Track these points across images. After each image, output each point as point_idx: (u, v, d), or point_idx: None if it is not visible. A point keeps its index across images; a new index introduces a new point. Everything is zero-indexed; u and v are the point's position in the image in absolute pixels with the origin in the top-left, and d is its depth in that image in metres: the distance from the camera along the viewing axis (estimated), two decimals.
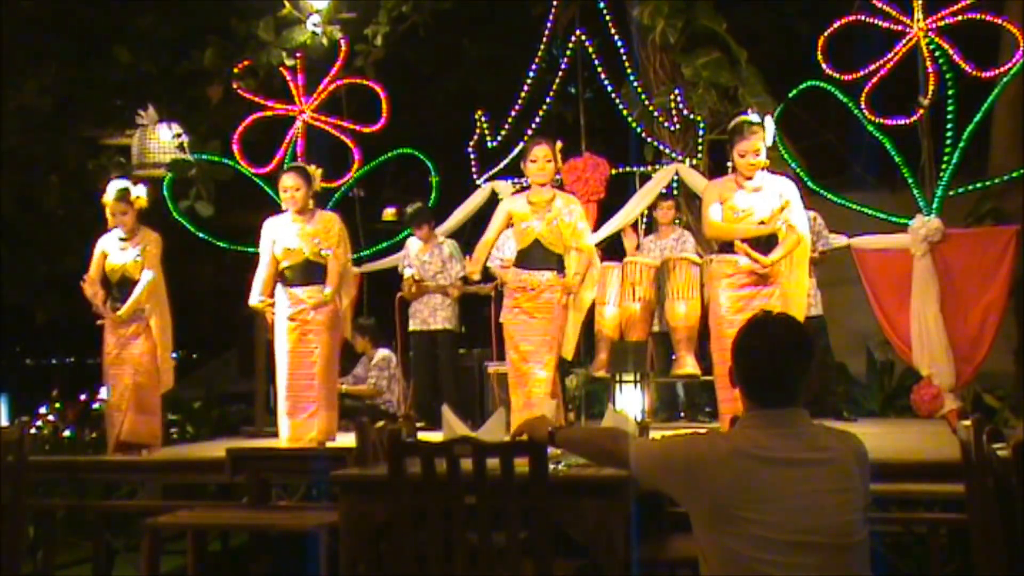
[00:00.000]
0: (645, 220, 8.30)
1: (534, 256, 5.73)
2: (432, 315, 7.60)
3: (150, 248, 6.38)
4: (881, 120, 6.79)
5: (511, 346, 5.79)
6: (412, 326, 7.69)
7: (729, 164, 5.66)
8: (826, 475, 2.40)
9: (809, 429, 2.48)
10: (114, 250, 6.40)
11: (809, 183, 6.95)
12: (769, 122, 5.54)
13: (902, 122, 6.83)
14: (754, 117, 5.53)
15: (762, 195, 5.39)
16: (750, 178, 5.41)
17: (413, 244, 7.80)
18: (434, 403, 7.09)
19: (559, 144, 5.81)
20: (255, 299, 6.08)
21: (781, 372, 2.48)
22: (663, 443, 2.62)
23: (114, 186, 6.50)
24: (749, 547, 2.34)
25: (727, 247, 5.47)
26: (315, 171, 6.31)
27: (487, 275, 7.78)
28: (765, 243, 5.38)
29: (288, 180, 6.06)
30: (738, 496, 2.36)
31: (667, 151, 8.23)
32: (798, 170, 6.99)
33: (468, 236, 7.97)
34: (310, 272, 6.02)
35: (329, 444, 5.87)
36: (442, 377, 7.66)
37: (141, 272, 6.33)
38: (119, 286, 6.37)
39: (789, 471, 2.38)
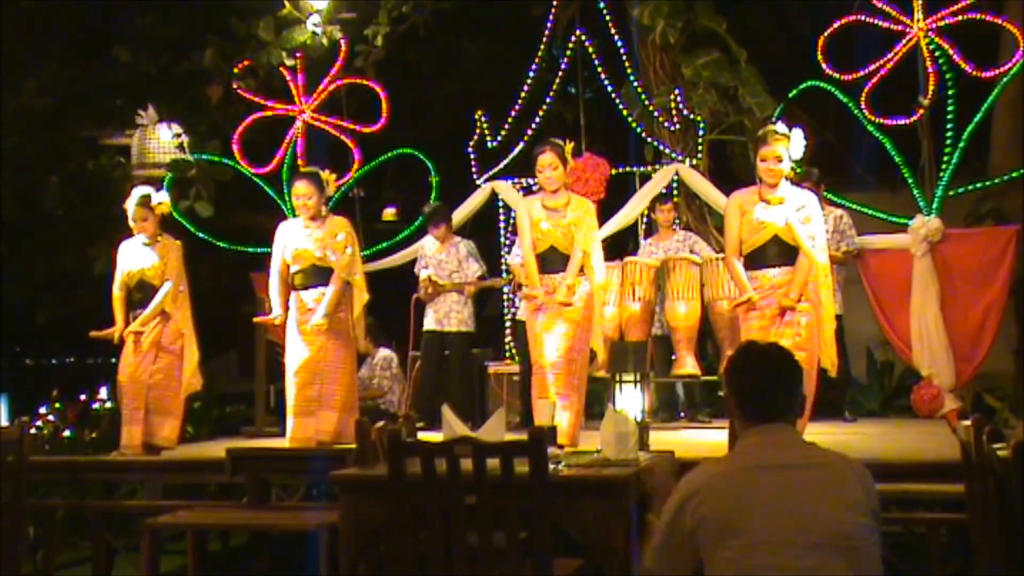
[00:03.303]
0: (645, 221, 8.31)
1: (551, 260, 5.70)
2: (447, 317, 7.47)
3: (171, 259, 6.31)
4: (881, 120, 6.79)
5: (535, 346, 5.71)
6: (426, 326, 7.58)
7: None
8: (817, 477, 2.49)
9: (799, 441, 2.63)
10: (133, 255, 6.31)
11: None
12: (798, 134, 5.51)
13: (902, 122, 6.83)
14: (781, 127, 5.52)
15: (782, 209, 5.38)
16: (772, 186, 5.40)
17: (429, 244, 7.65)
18: (436, 404, 7.05)
19: (570, 145, 5.74)
20: (277, 315, 6.05)
21: (769, 395, 2.62)
22: (660, 530, 2.66)
23: (136, 192, 6.38)
24: (750, 556, 2.39)
25: (751, 264, 5.45)
26: (329, 176, 6.23)
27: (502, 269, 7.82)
28: (779, 254, 5.37)
29: (300, 188, 6.04)
30: (735, 508, 2.45)
31: (667, 151, 8.24)
32: (798, 170, 6.98)
33: (468, 236, 7.96)
34: (317, 276, 6.00)
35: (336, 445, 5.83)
36: (451, 379, 7.58)
37: (160, 279, 6.24)
38: (138, 289, 6.28)
39: (781, 475, 2.48)
